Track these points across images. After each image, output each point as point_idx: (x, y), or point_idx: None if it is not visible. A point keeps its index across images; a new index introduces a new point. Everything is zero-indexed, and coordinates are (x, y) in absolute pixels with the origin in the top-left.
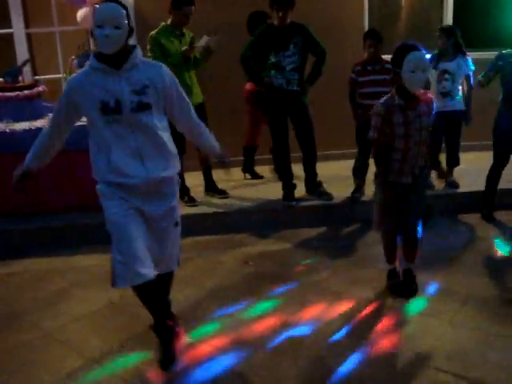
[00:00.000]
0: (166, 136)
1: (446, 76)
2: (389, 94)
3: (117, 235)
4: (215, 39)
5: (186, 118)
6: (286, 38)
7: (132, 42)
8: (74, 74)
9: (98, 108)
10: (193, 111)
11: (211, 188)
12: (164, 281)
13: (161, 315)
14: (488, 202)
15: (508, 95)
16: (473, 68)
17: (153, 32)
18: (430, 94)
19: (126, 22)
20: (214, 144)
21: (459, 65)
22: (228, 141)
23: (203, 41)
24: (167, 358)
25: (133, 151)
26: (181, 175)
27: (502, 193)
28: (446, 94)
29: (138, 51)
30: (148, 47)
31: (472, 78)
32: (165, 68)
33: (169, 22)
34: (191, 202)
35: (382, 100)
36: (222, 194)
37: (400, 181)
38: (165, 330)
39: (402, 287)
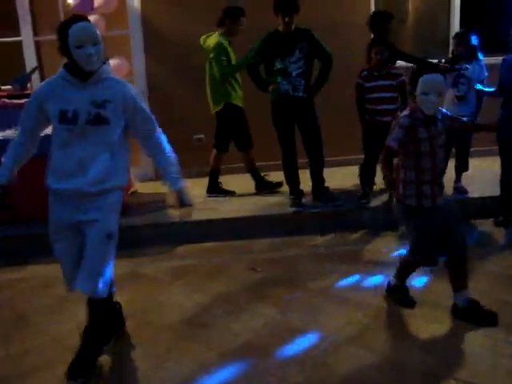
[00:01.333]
0: (116, 151)
1: (462, 80)
2: (410, 108)
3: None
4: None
5: (145, 137)
6: (291, 43)
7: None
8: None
9: (56, 116)
10: (156, 133)
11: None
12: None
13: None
14: (504, 207)
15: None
16: (486, 73)
17: (220, 40)
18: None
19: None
20: (174, 177)
21: (475, 69)
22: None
23: None
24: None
25: (76, 161)
26: (255, 170)
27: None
28: (462, 98)
29: (107, 67)
30: (212, 55)
31: (485, 83)
32: (128, 86)
33: (221, 31)
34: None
35: (405, 112)
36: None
37: (436, 203)
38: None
39: (481, 318)
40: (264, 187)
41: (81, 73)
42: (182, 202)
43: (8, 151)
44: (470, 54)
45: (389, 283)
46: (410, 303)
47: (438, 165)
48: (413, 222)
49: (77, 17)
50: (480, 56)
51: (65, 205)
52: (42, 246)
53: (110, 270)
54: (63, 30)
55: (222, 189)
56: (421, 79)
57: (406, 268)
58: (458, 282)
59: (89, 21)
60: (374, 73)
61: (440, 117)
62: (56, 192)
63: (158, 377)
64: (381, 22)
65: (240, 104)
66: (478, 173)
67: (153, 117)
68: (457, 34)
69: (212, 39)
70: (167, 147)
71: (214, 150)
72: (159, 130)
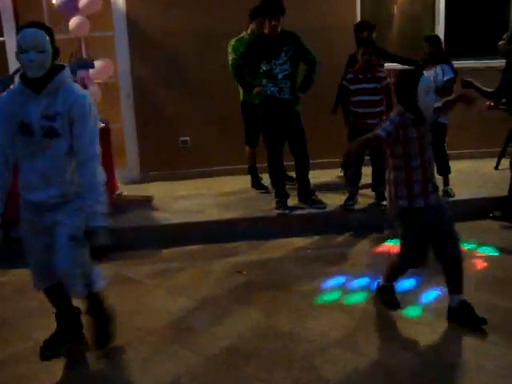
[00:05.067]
0: (70, 164)
1: None
2: (397, 111)
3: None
4: None
5: (80, 162)
6: (277, 46)
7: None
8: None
9: (17, 127)
10: (91, 161)
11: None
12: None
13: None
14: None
15: None
16: (451, 75)
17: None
18: None
19: (50, 45)
20: (95, 207)
21: (437, 73)
22: None
23: None
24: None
25: (39, 172)
26: (253, 167)
27: None
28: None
29: (65, 74)
30: (229, 50)
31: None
32: (80, 97)
33: (249, 31)
34: (263, 188)
35: (395, 113)
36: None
37: (428, 202)
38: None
39: (468, 321)
40: (259, 187)
41: (32, 82)
42: (96, 241)
43: None
44: (434, 59)
45: (378, 284)
46: (395, 305)
47: (427, 163)
48: (405, 223)
49: (31, 23)
50: (446, 60)
51: (34, 211)
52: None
53: (89, 269)
54: (18, 34)
55: (262, 184)
56: (421, 80)
57: (394, 269)
58: (452, 284)
59: (42, 28)
60: (359, 75)
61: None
62: (24, 201)
63: (142, 381)
64: (363, 29)
65: (256, 101)
66: (471, 174)
67: (96, 140)
68: (424, 37)
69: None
70: (98, 182)
71: (247, 147)
72: (96, 158)
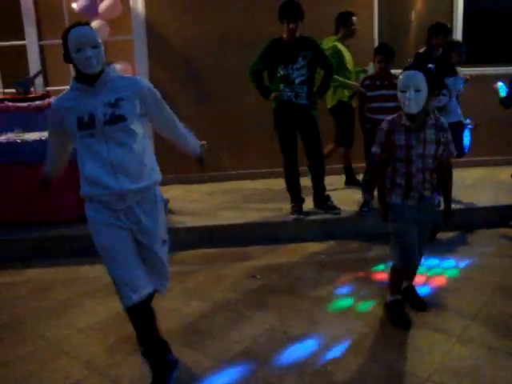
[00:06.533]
0: (142, 148)
1: (444, 91)
2: (399, 112)
3: (108, 259)
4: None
5: (170, 128)
6: (294, 51)
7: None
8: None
9: (75, 124)
10: (177, 121)
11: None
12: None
13: (152, 341)
14: None
15: None
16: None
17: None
18: (443, 120)
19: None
20: (196, 147)
21: (457, 81)
22: None
23: None
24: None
25: (105, 163)
26: (349, 168)
27: None
28: (441, 109)
29: (113, 67)
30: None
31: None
32: (142, 80)
33: (339, 36)
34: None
35: (390, 117)
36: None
37: (407, 203)
38: (157, 359)
39: (413, 304)
40: (354, 183)
41: (87, 78)
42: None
43: (47, 154)
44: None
45: (386, 302)
46: (405, 324)
47: (414, 173)
48: (391, 217)
49: (77, 23)
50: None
51: (107, 212)
52: (42, 250)
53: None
54: (64, 36)
55: (358, 180)
56: (399, 77)
57: (394, 277)
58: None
59: (89, 25)
60: (376, 82)
61: (433, 122)
62: (94, 199)
63: None
64: (438, 32)
65: (350, 102)
66: (480, 182)
67: (166, 105)
68: (461, 44)
69: (324, 42)
70: (184, 130)
71: (342, 149)
72: (174, 116)
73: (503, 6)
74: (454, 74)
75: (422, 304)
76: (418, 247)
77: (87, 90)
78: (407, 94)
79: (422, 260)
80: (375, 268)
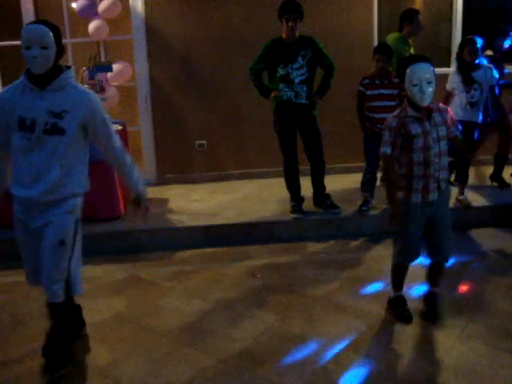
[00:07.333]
0: (72, 162)
1: (475, 86)
2: (399, 108)
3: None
4: None
5: (108, 148)
6: (294, 50)
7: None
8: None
9: (16, 122)
10: (117, 143)
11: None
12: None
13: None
14: None
15: None
16: (497, 76)
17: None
18: (442, 104)
19: (54, 41)
20: (137, 183)
21: (486, 74)
22: None
23: None
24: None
25: (32, 168)
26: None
27: None
28: (474, 104)
29: (70, 73)
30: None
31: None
32: (91, 96)
33: (404, 33)
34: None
35: (393, 114)
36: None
37: (427, 199)
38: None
39: (427, 311)
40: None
41: (37, 78)
42: (141, 202)
43: None
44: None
45: (388, 298)
46: (407, 318)
47: (432, 160)
48: (401, 215)
49: (34, 21)
50: (484, 61)
51: (25, 211)
52: None
53: (71, 273)
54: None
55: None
56: (408, 70)
57: (396, 273)
58: (432, 279)
59: (45, 25)
60: (375, 81)
61: (435, 106)
62: (16, 199)
63: (155, 382)
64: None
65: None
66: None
67: (112, 128)
68: (470, 40)
69: (388, 38)
70: (127, 159)
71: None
72: (118, 141)
73: (503, 5)
74: (478, 67)
75: (434, 316)
76: (445, 235)
77: (35, 91)
78: (421, 88)
79: (425, 259)
80: (375, 267)
